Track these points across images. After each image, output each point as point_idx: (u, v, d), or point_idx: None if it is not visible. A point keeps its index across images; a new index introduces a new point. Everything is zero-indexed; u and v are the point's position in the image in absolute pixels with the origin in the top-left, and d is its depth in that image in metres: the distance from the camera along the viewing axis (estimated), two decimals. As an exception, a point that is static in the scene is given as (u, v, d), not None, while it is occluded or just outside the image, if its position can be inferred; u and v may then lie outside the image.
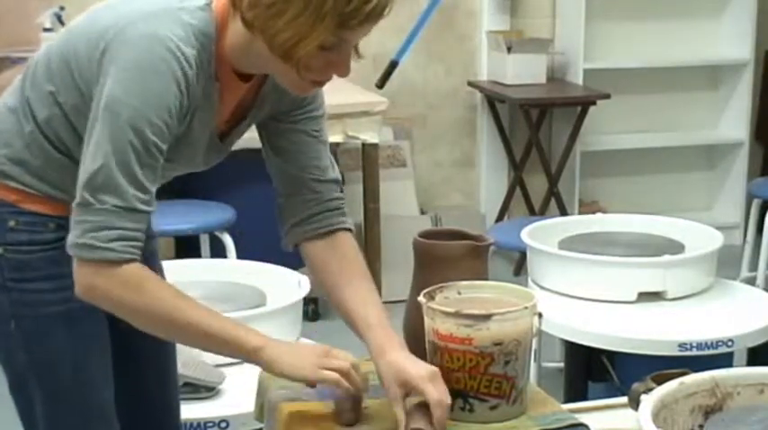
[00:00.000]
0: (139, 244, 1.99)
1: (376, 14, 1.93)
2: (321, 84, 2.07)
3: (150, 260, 2.29)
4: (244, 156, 4.41)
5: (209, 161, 2.24)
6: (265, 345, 2.04)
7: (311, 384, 2.06)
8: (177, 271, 2.93)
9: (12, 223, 2.12)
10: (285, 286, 3.21)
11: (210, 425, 2.70)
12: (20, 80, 2.18)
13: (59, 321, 2.15)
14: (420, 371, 2.02)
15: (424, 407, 2.03)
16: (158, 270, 2.35)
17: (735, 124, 6.11)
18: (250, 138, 4.78)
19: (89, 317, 2.17)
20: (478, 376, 2.02)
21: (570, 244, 3.50)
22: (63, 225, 2.09)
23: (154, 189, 2.01)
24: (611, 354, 3.16)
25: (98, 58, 1.97)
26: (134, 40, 1.94)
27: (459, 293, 2.14)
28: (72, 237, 1.98)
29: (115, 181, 1.95)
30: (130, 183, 1.96)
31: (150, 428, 2.39)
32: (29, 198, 2.12)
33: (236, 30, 2.00)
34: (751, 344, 3.16)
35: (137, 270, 1.99)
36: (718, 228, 3.60)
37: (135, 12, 1.98)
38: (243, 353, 2.05)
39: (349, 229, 2.28)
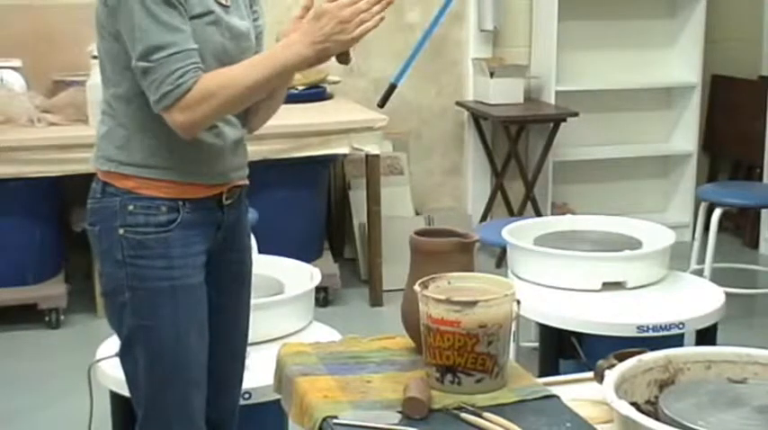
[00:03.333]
0: (196, 68, 2.07)
1: None
2: None
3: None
4: (265, 167, 4.44)
5: (249, 49, 2.25)
6: (301, 58, 2.09)
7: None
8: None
9: (131, 207, 2.17)
10: (300, 277, 3.21)
11: (236, 396, 2.70)
12: (102, 103, 2.25)
13: (166, 294, 2.18)
14: None
15: (420, 380, 2.03)
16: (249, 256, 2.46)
17: (685, 138, 6.11)
18: (270, 150, 4.81)
19: (192, 292, 2.22)
20: (465, 354, 2.02)
21: (544, 240, 3.50)
22: (173, 207, 2.18)
23: (189, 28, 2.08)
24: (580, 335, 3.16)
25: None
26: None
27: (449, 283, 2.14)
28: (153, 99, 2.07)
29: (155, 39, 2.04)
30: (167, 32, 2.05)
31: (216, 392, 2.38)
32: (143, 184, 2.16)
33: None
34: (699, 327, 3.16)
35: (198, 87, 2.06)
36: (670, 227, 3.59)
37: None
38: (294, 72, 2.16)
39: None
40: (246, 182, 2.37)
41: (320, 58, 2.12)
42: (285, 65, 2.11)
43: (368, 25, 2.09)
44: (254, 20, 2.33)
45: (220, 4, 2.19)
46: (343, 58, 2.16)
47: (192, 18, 2.11)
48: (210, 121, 2.13)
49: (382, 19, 2.11)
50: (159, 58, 2.05)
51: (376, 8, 2.08)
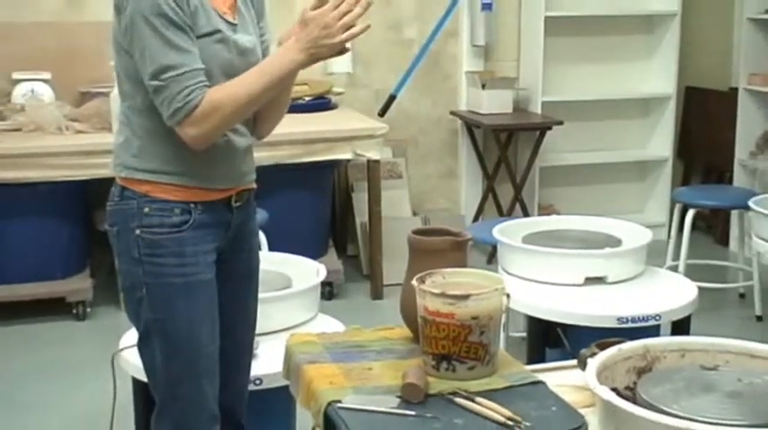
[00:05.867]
0: (202, 86, 2.07)
1: None
2: None
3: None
4: (275, 171, 4.44)
5: (247, 53, 2.23)
6: (295, 64, 2.08)
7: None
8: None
9: (146, 209, 2.16)
10: (306, 273, 3.21)
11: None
12: (120, 114, 2.25)
13: (180, 290, 2.17)
14: None
15: (417, 368, 2.03)
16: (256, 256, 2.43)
17: (661, 145, 6.11)
18: (280, 155, 4.80)
19: (204, 288, 2.21)
20: (459, 343, 2.02)
21: (532, 239, 3.49)
22: (186, 209, 2.17)
23: (196, 49, 2.08)
24: (564, 326, 3.15)
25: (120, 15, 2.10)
26: None
27: (444, 278, 2.14)
28: (165, 115, 2.08)
29: (165, 59, 2.04)
30: (177, 53, 2.05)
31: (227, 379, 2.36)
32: (156, 187, 2.16)
33: None
34: (674, 318, 3.15)
35: (204, 102, 2.07)
36: (647, 226, 3.59)
37: None
38: (293, 77, 2.15)
39: None
40: (254, 185, 2.37)
41: (313, 61, 2.11)
42: (281, 73, 2.10)
43: (353, 31, 2.05)
44: (261, 35, 2.33)
45: (228, 23, 2.19)
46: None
47: (200, 37, 2.11)
48: (220, 132, 2.13)
49: (368, 26, 2.07)
50: (169, 77, 2.05)
51: (357, 10, 2.04)
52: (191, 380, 2.22)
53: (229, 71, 2.15)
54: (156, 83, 2.06)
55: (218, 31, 2.14)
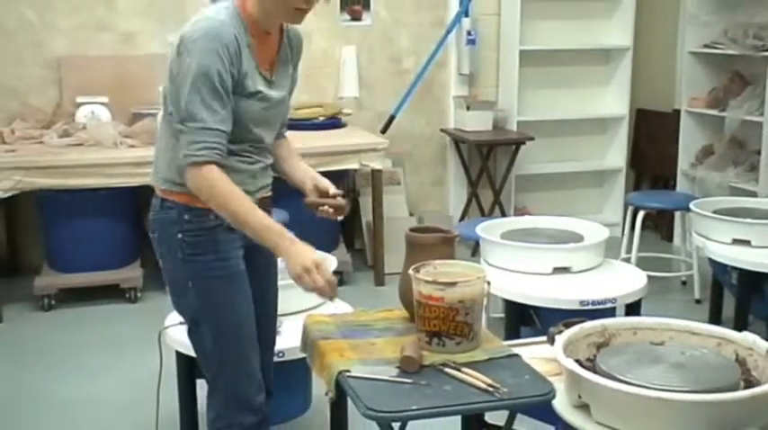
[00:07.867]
0: (219, 151, 2.04)
1: None
2: (304, 11, 2.13)
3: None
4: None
5: (281, 111, 2.24)
6: (277, 247, 2.05)
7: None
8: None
9: (187, 216, 2.15)
10: (321, 263, 3.20)
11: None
12: (161, 128, 2.22)
13: (220, 282, 2.17)
14: (327, 181, 2.25)
15: (413, 343, 2.03)
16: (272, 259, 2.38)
17: (617, 157, 6.10)
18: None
19: (239, 278, 2.20)
20: (448, 322, 2.02)
21: (509, 235, 3.49)
22: (218, 215, 2.13)
23: (225, 112, 2.04)
24: (536, 308, 3.15)
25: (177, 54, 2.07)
26: (197, 28, 2.04)
27: (435, 268, 2.14)
28: (180, 154, 2.05)
29: (196, 112, 2.01)
30: (206, 110, 2.01)
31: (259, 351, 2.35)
32: (195, 199, 2.13)
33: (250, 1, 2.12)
34: (627, 302, 3.15)
35: (213, 172, 2.03)
36: (605, 225, 3.59)
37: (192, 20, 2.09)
38: (269, 245, 2.07)
39: (284, 137, 2.42)
40: (270, 193, 2.36)
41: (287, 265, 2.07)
42: (262, 240, 2.06)
43: (313, 293, 2.05)
44: (291, 80, 2.32)
45: (266, 80, 2.17)
46: (328, 297, 2.08)
47: (246, 96, 2.10)
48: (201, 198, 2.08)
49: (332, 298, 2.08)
50: (191, 126, 2.03)
51: (325, 292, 2.04)
52: (239, 355, 2.20)
53: (258, 121, 2.15)
54: (179, 125, 2.05)
55: (259, 92, 2.14)
